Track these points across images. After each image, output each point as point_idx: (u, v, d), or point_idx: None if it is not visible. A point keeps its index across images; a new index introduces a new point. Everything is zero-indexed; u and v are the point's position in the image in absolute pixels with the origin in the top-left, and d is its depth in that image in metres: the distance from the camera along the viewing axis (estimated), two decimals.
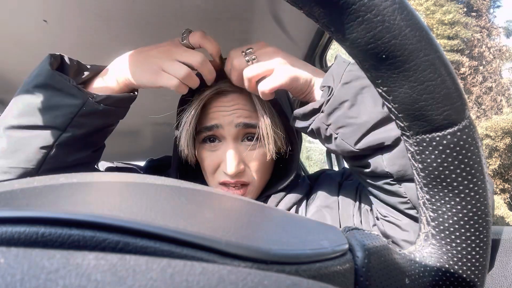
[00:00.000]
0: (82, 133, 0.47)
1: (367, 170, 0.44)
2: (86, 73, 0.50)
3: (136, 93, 0.54)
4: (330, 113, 0.43)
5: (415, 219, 0.44)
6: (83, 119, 0.46)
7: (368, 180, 0.46)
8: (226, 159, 0.52)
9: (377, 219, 0.49)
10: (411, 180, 0.41)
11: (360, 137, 0.42)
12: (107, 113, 0.49)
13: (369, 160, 0.43)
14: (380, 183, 0.44)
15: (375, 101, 0.42)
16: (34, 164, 0.44)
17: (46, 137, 0.45)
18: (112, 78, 0.50)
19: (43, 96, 0.46)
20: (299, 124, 0.48)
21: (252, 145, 0.53)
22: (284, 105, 0.56)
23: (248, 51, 0.48)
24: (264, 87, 0.46)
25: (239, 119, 0.52)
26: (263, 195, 0.58)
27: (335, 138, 0.44)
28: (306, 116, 0.46)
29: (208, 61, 0.50)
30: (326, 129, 0.44)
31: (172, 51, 0.49)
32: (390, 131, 0.41)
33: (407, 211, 0.44)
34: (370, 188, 0.48)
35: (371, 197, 0.49)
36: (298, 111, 0.47)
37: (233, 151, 0.52)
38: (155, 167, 0.68)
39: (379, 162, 0.42)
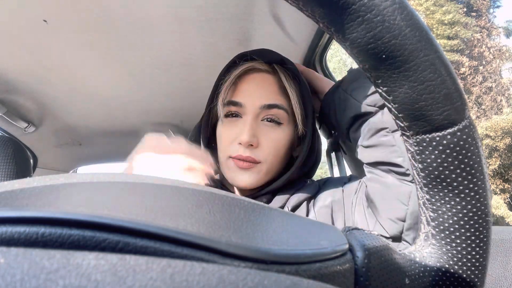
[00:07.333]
0: None
1: (367, 127, 0.51)
2: None
3: None
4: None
5: (399, 173, 0.48)
6: None
7: (365, 143, 0.52)
8: (243, 129, 0.55)
9: (366, 187, 0.53)
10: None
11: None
12: None
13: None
14: (376, 137, 0.50)
15: None
16: None
17: None
18: None
19: None
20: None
21: (270, 126, 0.57)
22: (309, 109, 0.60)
23: None
24: None
25: (263, 101, 0.56)
26: (269, 187, 0.58)
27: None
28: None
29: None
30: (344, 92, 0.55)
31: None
32: None
33: (394, 159, 0.48)
34: (365, 151, 0.53)
35: (365, 167, 0.54)
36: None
37: (250, 123, 0.55)
38: None
39: (379, 117, 0.50)
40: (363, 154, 0.54)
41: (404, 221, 0.47)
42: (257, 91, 0.57)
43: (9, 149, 0.94)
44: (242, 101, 0.56)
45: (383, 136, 0.49)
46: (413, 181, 0.46)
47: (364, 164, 0.55)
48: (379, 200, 0.50)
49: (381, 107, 0.51)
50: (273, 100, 0.57)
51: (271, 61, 0.59)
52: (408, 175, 0.47)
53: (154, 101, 1.24)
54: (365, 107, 0.51)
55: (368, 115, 0.52)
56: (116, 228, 0.13)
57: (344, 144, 1.00)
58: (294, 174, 0.59)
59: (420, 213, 0.23)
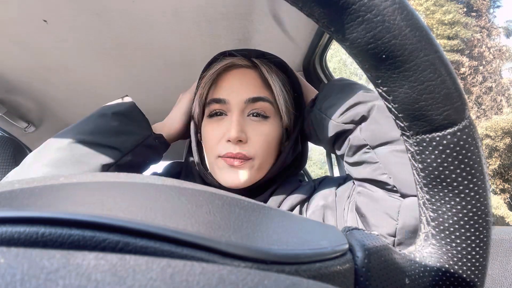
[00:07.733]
0: (137, 161, 0.55)
1: (348, 144, 0.50)
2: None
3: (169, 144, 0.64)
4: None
5: (387, 189, 0.47)
6: (143, 148, 0.55)
7: (349, 160, 0.52)
8: (230, 126, 0.54)
9: (355, 200, 0.52)
10: (382, 144, 0.47)
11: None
12: (155, 150, 0.58)
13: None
14: (358, 155, 0.49)
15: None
16: None
17: (110, 156, 0.52)
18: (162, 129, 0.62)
19: (119, 121, 0.54)
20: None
21: (257, 120, 0.56)
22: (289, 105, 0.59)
23: None
24: None
25: (247, 95, 0.55)
26: (259, 180, 0.57)
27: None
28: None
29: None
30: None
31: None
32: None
33: (379, 177, 0.47)
34: (350, 168, 0.53)
35: (355, 181, 0.54)
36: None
37: (237, 118, 0.54)
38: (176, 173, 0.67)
39: (357, 134, 0.49)
40: (350, 171, 0.53)
41: (394, 236, 0.46)
42: (239, 86, 0.56)
43: (9, 149, 0.94)
44: (226, 98, 0.55)
45: (365, 153, 0.49)
46: (401, 196, 0.46)
47: (353, 179, 0.54)
48: (369, 214, 0.48)
49: (358, 122, 0.49)
50: (257, 93, 0.55)
51: (251, 55, 0.58)
52: (396, 191, 0.46)
53: (154, 101, 1.24)
54: (342, 126, 0.50)
55: (347, 132, 0.51)
56: (116, 228, 0.13)
57: None
58: (281, 166, 0.58)
59: (420, 213, 0.23)
